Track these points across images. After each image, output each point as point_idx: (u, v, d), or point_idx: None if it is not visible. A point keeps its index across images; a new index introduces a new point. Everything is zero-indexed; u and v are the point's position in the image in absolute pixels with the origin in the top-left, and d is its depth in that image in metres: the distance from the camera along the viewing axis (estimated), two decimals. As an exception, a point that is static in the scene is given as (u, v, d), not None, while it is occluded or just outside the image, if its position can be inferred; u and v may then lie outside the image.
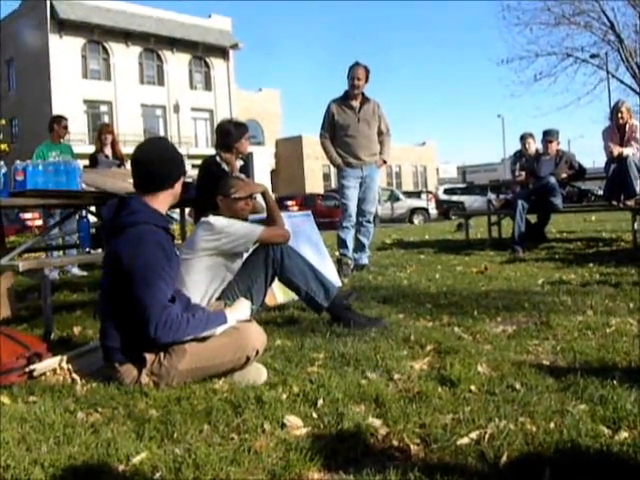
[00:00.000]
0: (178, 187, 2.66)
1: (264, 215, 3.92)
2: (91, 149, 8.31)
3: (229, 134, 4.63)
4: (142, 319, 2.37)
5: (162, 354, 2.49)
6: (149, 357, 2.50)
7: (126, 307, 2.44)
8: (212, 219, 3.49)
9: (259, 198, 4.00)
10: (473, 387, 2.37)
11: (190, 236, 3.64)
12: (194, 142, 39.06)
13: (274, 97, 44.68)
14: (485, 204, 9.23)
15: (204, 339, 2.49)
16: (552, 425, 1.96)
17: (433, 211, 25.75)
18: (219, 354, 2.51)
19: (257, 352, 2.56)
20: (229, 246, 3.45)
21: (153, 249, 2.41)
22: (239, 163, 4.78)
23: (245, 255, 3.66)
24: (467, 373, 2.51)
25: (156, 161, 2.58)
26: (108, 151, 7.54)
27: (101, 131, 7.70)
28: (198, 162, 5.22)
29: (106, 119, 34.32)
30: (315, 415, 2.15)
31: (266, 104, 43.52)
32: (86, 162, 7.04)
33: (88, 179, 4.26)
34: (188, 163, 37.32)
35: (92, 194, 4.17)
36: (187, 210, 9.52)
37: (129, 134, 33.47)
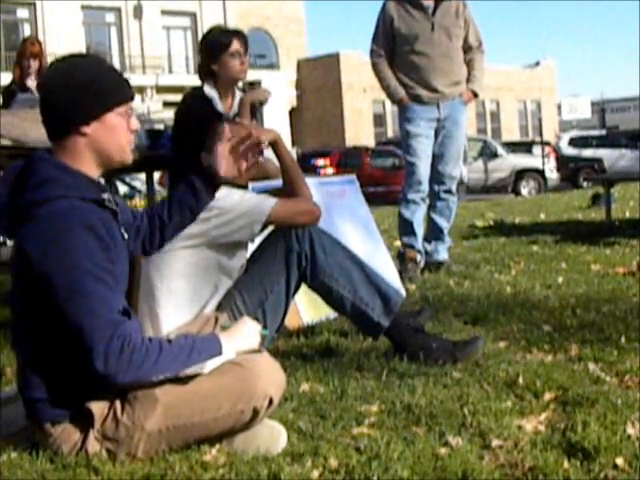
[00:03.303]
0: (102, 130, 2.54)
1: (279, 181, 3.91)
2: (5, 79, 8.37)
3: (214, 48, 4.65)
4: (80, 350, 2.37)
5: (119, 405, 2.50)
6: (98, 410, 2.50)
7: (52, 335, 2.45)
8: (197, 189, 3.49)
9: (270, 155, 3.99)
10: (620, 461, 2.36)
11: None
12: (166, 65, 39.25)
13: (294, -8, 44.72)
14: (637, 162, 9.15)
15: (185, 380, 2.49)
16: None
17: (552, 174, 25.64)
18: (210, 405, 2.51)
19: (270, 401, 2.56)
20: (224, 230, 3.47)
21: (79, 237, 2.39)
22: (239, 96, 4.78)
23: (251, 247, 3.67)
24: (610, 438, 2.50)
25: (59, 87, 2.54)
26: (32, 82, 7.59)
27: (23, 51, 7.73)
28: (174, 98, 5.22)
29: (27, 31, 34.57)
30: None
31: (281, 4, 43.47)
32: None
33: (1, 126, 4.29)
34: (158, 99, 37.62)
35: (6, 150, 4.19)
36: (157, 176, 9.53)
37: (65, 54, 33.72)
